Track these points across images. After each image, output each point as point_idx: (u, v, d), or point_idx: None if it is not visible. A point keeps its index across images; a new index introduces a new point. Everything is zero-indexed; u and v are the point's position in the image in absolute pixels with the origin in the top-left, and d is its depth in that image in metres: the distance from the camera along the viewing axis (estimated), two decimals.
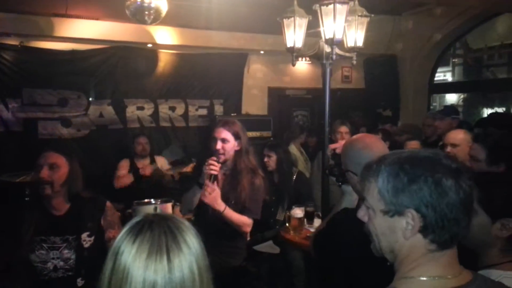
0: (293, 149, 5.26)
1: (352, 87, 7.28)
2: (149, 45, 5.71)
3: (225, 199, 2.71)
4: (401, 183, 1.01)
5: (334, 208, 2.07)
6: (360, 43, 3.17)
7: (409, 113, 6.85)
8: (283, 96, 6.99)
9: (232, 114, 6.16)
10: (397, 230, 1.04)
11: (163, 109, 6.10)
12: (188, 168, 5.22)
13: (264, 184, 2.85)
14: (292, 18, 3.03)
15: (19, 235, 2.11)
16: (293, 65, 3.27)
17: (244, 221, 2.75)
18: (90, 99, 5.67)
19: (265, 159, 4.24)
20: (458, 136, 3.22)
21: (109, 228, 2.27)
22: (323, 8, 2.87)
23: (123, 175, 4.77)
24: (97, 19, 5.20)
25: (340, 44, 3.02)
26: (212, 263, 1.12)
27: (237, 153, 2.77)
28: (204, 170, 2.65)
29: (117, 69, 5.71)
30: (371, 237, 1.11)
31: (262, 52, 6.41)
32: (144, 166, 4.83)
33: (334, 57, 3.04)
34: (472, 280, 1.04)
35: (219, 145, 2.71)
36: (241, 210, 2.73)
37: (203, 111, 6.37)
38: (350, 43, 3.17)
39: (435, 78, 7.31)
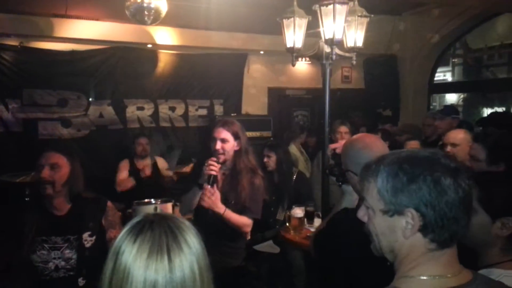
0: (293, 149, 5.26)
1: (352, 87, 7.28)
2: (149, 46, 5.72)
3: (225, 199, 2.71)
4: (400, 182, 1.01)
5: (334, 208, 2.07)
6: (360, 43, 3.17)
7: (409, 113, 6.86)
8: (283, 96, 6.99)
9: (232, 114, 6.17)
10: (396, 230, 1.04)
11: (163, 109, 6.11)
12: (187, 168, 5.23)
13: (264, 183, 2.85)
14: (292, 19, 3.03)
15: (19, 235, 2.11)
16: (293, 65, 3.27)
17: (244, 222, 2.75)
18: (90, 99, 5.67)
19: (265, 159, 4.24)
20: (458, 135, 3.23)
21: (110, 228, 2.27)
22: (323, 8, 2.87)
23: (124, 178, 4.77)
24: (97, 19, 5.20)
25: (340, 44, 3.02)
26: (212, 263, 1.12)
27: (237, 153, 2.76)
28: (203, 170, 2.64)
29: (117, 70, 5.71)
30: (371, 237, 1.11)
31: (262, 52, 6.42)
32: (144, 166, 4.83)
33: (334, 57, 3.04)
34: (472, 279, 1.04)
35: (218, 145, 2.71)
36: (241, 210, 2.73)
37: (203, 111, 6.37)
38: (349, 43, 3.17)
39: (435, 78, 7.32)
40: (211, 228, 2.53)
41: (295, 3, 3.06)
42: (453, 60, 8.45)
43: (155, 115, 6.06)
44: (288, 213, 3.77)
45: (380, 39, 6.08)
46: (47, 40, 5.31)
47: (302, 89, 7.03)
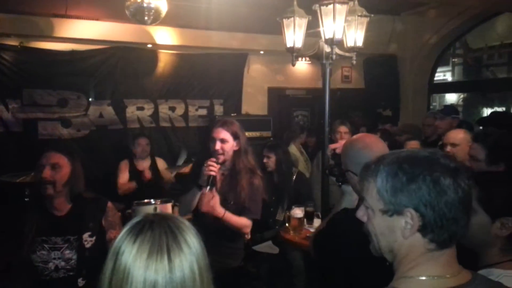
0: (293, 149, 5.26)
1: (352, 87, 7.28)
2: (149, 46, 5.72)
3: (224, 199, 2.71)
4: (400, 182, 1.01)
5: (334, 208, 2.07)
6: (359, 43, 3.17)
7: (409, 113, 6.86)
8: (283, 96, 6.98)
9: (232, 114, 6.16)
10: (396, 230, 1.04)
11: (163, 109, 6.10)
12: (186, 169, 5.22)
13: (263, 184, 2.84)
14: (292, 18, 3.03)
15: (20, 235, 2.11)
16: (293, 65, 3.27)
17: (244, 223, 2.75)
18: (90, 99, 5.67)
19: (265, 160, 4.24)
20: (458, 135, 3.23)
21: (110, 229, 2.27)
22: (323, 8, 2.87)
23: (126, 182, 4.76)
24: (97, 19, 5.20)
25: (339, 44, 3.03)
26: (212, 263, 1.12)
27: (236, 153, 2.76)
28: (203, 171, 2.64)
29: (117, 70, 5.71)
30: (370, 237, 1.11)
31: (262, 52, 6.41)
32: (144, 168, 4.81)
33: (334, 57, 3.05)
34: (471, 280, 1.04)
35: (218, 145, 2.70)
36: (240, 211, 2.73)
37: (203, 111, 6.37)
38: (349, 43, 3.17)
39: (435, 78, 7.32)
40: (210, 229, 2.53)
41: (295, 2, 3.06)
42: (453, 60, 8.45)
43: (155, 115, 6.06)
44: (287, 213, 3.77)
45: (380, 39, 6.08)
46: (47, 40, 5.31)
47: (302, 89, 7.03)
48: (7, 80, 5.19)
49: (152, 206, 3.39)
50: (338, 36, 2.91)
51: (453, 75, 8.79)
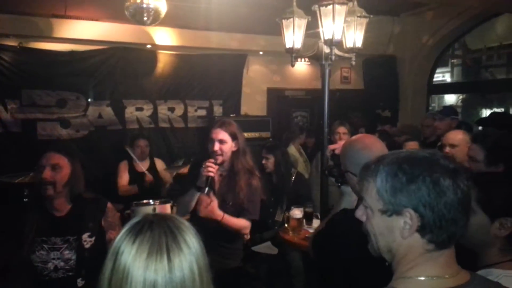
0: (292, 150, 5.26)
1: (351, 88, 7.29)
2: (148, 46, 5.71)
3: (223, 200, 2.70)
4: (399, 182, 1.01)
5: (333, 208, 2.07)
6: (359, 43, 3.18)
7: (408, 113, 6.87)
8: (282, 96, 6.98)
9: (231, 115, 6.16)
10: (395, 230, 1.04)
11: (162, 110, 6.10)
12: (185, 170, 5.22)
13: (261, 184, 2.84)
14: (291, 19, 3.03)
15: (19, 235, 2.11)
16: (292, 65, 3.28)
17: (243, 224, 2.75)
18: (89, 100, 5.66)
19: (263, 161, 4.25)
20: (457, 136, 3.23)
21: (110, 229, 2.28)
22: (322, 9, 2.88)
23: (126, 184, 4.76)
24: (96, 20, 5.19)
25: (339, 44, 3.03)
26: (211, 264, 1.12)
27: (234, 154, 2.75)
28: (201, 172, 2.63)
29: (116, 70, 5.70)
30: (368, 237, 1.11)
31: (261, 53, 6.41)
32: (146, 173, 4.80)
33: (333, 57, 3.05)
34: (470, 280, 1.04)
35: (216, 146, 2.69)
36: (239, 212, 2.73)
37: (202, 112, 6.36)
38: (349, 43, 3.18)
39: (434, 79, 7.32)
40: (209, 230, 2.52)
41: (294, 3, 3.06)
42: (452, 61, 8.46)
43: (154, 115, 6.05)
44: (287, 214, 3.77)
45: (379, 40, 6.09)
46: (47, 41, 5.30)
47: (301, 89, 7.03)
48: (6, 81, 5.18)
49: (151, 207, 3.39)
50: (337, 37, 2.91)
51: (452, 76, 8.80)
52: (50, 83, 5.38)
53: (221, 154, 2.69)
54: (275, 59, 6.44)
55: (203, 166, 2.61)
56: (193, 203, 2.68)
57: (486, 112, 7.94)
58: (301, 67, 6.85)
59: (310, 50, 3.22)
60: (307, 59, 6.19)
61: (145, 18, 3.75)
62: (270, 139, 5.78)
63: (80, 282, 2.17)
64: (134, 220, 1.10)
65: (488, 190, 1.46)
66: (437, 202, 0.99)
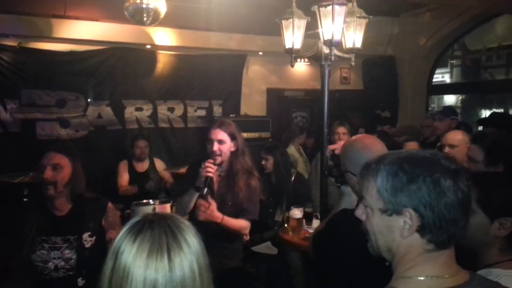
0: (292, 150, 5.26)
1: (350, 88, 7.29)
2: (148, 46, 5.71)
3: (222, 201, 2.70)
4: (400, 182, 1.01)
5: (333, 209, 2.07)
6: (358, 44, 3.18)
7: (408, 114, 6.87)
8: (281, 97, 6.99)
9: (231, 115, 6.16)
10: (394, 229, 1.04)
11: (162, 110, 6.10)
12: (183, 170, 5.22)
13: (260, 184, 2.84)
14: (291, 19, 3.04)
15: (19, 235, 2.11)
16: (292, 66, 3.28)
17: (242, 225, 2.76)
18: (89, 100, 5.66)
19: (263, 162, 4.25)
20: (456, 137, 3.23)
21: (110, 229, 2.28)
22: (322, 9, 2.88)
23: (126, 185, 4.77)
24: (95, 20, 5.19)
25: (338, 45, 3.03)
26: (210, 264, 1.12)
27: (233, 154, 2.75)
28: (200, 172, 2.63)
29: (115, 70, 5.70)
30: (368, 236, 1.11)
31: (260, 53, 6.42)
32: (150, 186, 4.80)
33: (332, 58, 3.05)
34: (469, 280, 1.04)
35: (215, 146, 2.68)
36: (238, 212, 2.73)
37: (202, 112, 6.37)
38: (348, 44, 3.18)
39: (433, 80, 7.33)
40: (208, 230, 2.52)
41: (294, 4, 3.06)
42: (452, 61, 8.47)
43: (154, 116, 6.05)
44: (286, 214, 3.77)
45: (379, 40, 6.09)
46: (46, 41, 5.30)
47: (300, 90, 7.03)
48: (5, 80, 5.18)
49: (151, 207, 3.39)
50: (337, 37, 2.92)
51: (451, 76, 8.81)
52: (49, 83, 5.38)
53: (220, 155, 2.69)
54: (274, 59, 6.44)
55: (202, 166, 2.60)
56: (192, 204, 2.68)
57: (485, 113, 7.95)
58: (301, 68, 6.85)
59: (309, 50, 3.22)
60: (306, 60, 6.19)
61: (144, 19, 3.75)
62: (270, 140, 5.78)
63: (80, 281, 2.18)
64: (134, 220, 1.10)
65: (488, 190, 1.46)
66: (437, 203, 0.99)
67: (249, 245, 3.79)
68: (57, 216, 2.21)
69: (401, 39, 6.59)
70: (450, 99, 8.76)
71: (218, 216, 2.60)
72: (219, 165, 2.70)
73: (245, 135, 2.91)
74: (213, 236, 2.55)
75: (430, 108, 7.32)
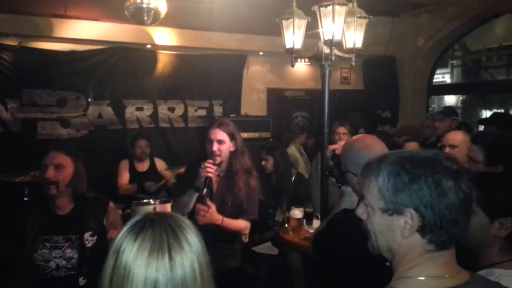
0: (293, 150, 5.26)
1: (351, 88, 7.28)
2: (148, 46, 5.71)
3: (221, 201, 2.70)
4: (401, 182, 1.01)
5: (334, 209, 2.07)
6: (359, 44, 3.18)
7: (408, 114, 6.87)
8: (282, 97, 6.99)
9: (231, 115, 6.16)
10: (395, 229, 1.04)
11: (162, 109, 6.10)
12: (183, 170, 5.22)
13: (259, 184, 2.84)
14: (291, 19, 3.04)
15: (20, 235, 2.12)
16: (292, 66, 3.29)
17: (242, 226, 2.76)
18: (89, 99, 5.65)
19: (263, 162, 4.25)
20: (457, 137, 3.23)
21: (112, 228, 2.28)
22: (322, 9, 2.88)
23: (127, 184, 4.77)
24: (96, 20, 5.19)
25: (339, 45, 3.04)
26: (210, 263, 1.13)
27: (233, 154, 2.75)
28: (199, 173, 2.63)
29: (116, 70, 5.70)
30: (368, 235, 1.11)
31: (261, 53, 6.42)
32: (149, 185, 4.80)
33: (333, 58, 3.06)
34: (469, 280, 1.05)
35: (215, 146, 2.68)
36: (238, 212, 2.73)
37: (202, 112, 6.36)
38: (349, 44, 3.18)
39: (434, 80, 7.33)
40: (207, 231, 2.52)
41: (294, 4, 3.07)
42: (452, 62, 8.47)
43: (154, 115, 6.05)
44: (287, 214, 3.77)
45: (379, 40, 6.09)
46: (47, 40, 5.30)
47: (301, 90, 7.03)
48: (6, 80, 5.18)
49: (151, 206, 3.39)
50: (337, 37, 2.92)
51: (452, 77, 8.81)
52: (50, 83, 5.38)
53: (220, 155, 2.69)
54: (275, 59, 6.44)
55: (202, 166, 2.60)
56: (192, 204, 2.68)
57: (486, 113, 7.95)
58: (301, 68, 6.85)
59: (310, 50, 3.22)
60: (307, 60, 6.19)
61: (145, 18, 3.75)
62: (270, 140, 5.78)
63: (81, 281, 2.18)
64: (135, 219, 1.11)
65: (488, 190, 1.46)
66: (439, 203, 0.99)
67: (250, 245, 3.79)
68: (59, 215, 2.22)
69: (402, 39, 6.59)
70: (450, 100, 8.77)
71: (218, 218, 2.60)
72: (219, 165, 2.70)
73: (245, 135, 2.92)
74: (212, 237, 2.55)
75: (430, 109, 7.32)
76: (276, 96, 6.90)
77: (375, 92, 7.14)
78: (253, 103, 6.70)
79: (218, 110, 6.42)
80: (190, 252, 1.06)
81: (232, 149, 2.74)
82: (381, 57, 6.82)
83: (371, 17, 3.19)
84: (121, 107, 5.81)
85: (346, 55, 3.23)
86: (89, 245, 2.20)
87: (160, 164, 5.12)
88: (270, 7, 3.83)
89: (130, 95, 5.86)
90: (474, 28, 6.37)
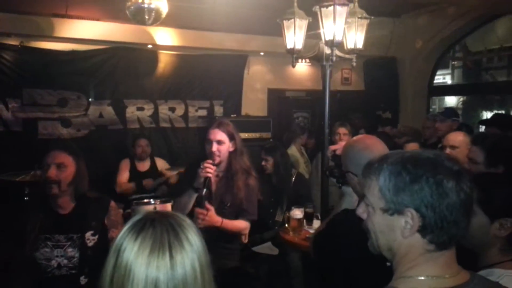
0: (293, 150, 5.26)
1: (351, 89, 7.28)
2: (149, 46, 5.72)
3: (220, 201, 2.70)
4: (402, 182, 1.02)
5: (334, 209, 2.07)
6: (360, 45, 3.18)
7: (409, 115, 6.86)
8: (283, 97, 6.99)
9: (232, 115, 6.16)
10: (395, 229, 1.04)
11: (163, 109, 6.10)
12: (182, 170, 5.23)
13: (257, 184, 2.85)
14: (292, 20, 3.04)
15: (21, 234, 2.12)
16: (293, 66, 3.29)
17: (242, 226, 2.77)
18: (90, 99, 5.66)
19: (263, 163, 4.25)
20: (458, 138, 3.23)
21: (113, 228, 2.29)
22: (323, 9, 2.88)
23: (125, 182, 4.78)
24: (97, 19, 5.20)
25: (340, 46, 3.03)
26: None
27: (232, 154, 2.75)
28: (199, 173, 2.62)
29: (117, 70, 5.70)
30: (369, 235, 1.12)
31: (262, 53, 6.42)
32: (147, 183, 4.81)
33: (334, 58, 3.05)
34: (469, 280, 1.05)
35: (214, 147, 2.68)
36: (237, 212, 2.73)
37: (203, 112, 6.36)
38: (350, 45, 3.18)
39: (435, 81, 7.32)
40: (207, 231, 2.53)
41: (295, 4, 3.07)
42: (453, 62, 8.48)
43: (155, 115, 6.05)
44: (287, 214, 3.77)
45: (380, 41, 6.08)
46: (48, 40, 5.31)
47: (302, 90, 7.03)
48: (7, 80, 5.19)
49: (151, 206, 3.39)
50: (338, 38, 2.92)
51: (452, 78, 8.82)
52: (51, 83, 5.38)
53: (219, 155, 2.69)
54: (276, 60, 6.44)
55: (201, 167, 2.60)
56: (191, 205, 2.68)
57: (486, 114, 7.96)
58: (302, 68, 6.85)
59: (311, 51, 3.22)
60: (307, 60, 6.18)
61: (146, 18, 3.75)
62: (271, 140, 5.79)
63: (83, 280, 2.19)
64: (136, 218, 1.11)
65: (488, 191, 1.46)
66: (439, 203, 0.99)
67: (250, 245, 3.79)
68: (60, 214, 2.22)
69: (402, 40, 6.58)
70: (451, 101, 8.77)
71: (217, 220, 2.61)
72: (218, 165, 2.70)
73: (246, 135, 2.92)
74: (212, 236, 2.56)
75: (431, 110, 7.31)
76: (276, 97, 6.90)
77: (376, 93, 7.14)
78: (254, 103, 6.69)
79: (218, 110, 6.43)
80: (191, 251, 1.06)
81: (231, 149, 2.74)
82: (381, 58, 6.81)
83: (372, 17, 3.19)
84: (122, 107, 5.82)
85: (347, 56, 3.23)
86: (90, 244, 2.20)
87: (161, 164, 5.12)
88: (271, 8, 3.83)
89: (131, 95, 5.86)
90: (475, 29, 6.36)
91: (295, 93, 7.05)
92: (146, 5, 3.66)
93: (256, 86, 6.72)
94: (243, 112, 6.56)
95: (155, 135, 5.95)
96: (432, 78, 7.13)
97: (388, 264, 1.13)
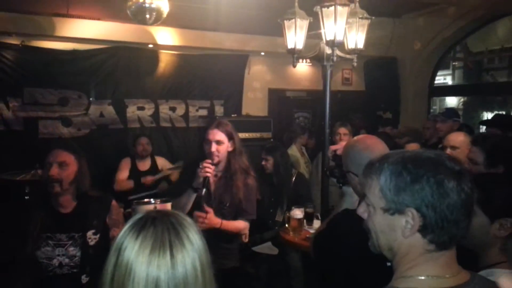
0: (294, 150, 5.25)
1: (352, 89, 7.29)
2: (150, 46, 5.72)
3: (220, 201, 2.70)
4: (403, 182, 1.02)
5: (335, 209, 2.07)
6: (360, 45, 3.18)
7: (409, 115, 6.86)
8: (283, 97, 6.99)
9: (233, 115, 6.17)
10: (396, 229, 1.04)
11: (164, 109, 6.10)
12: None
13: (256, 184, 2.85)
14: (293, 20, 3.04)
15: (22, 233, 2.12)
16: (294, 66, 3.29)
17: (241, 226, 2.77)
18: (91, 98, 5.66)
19: (263, 162, 4.26)
20: (458, 138, 3.23)
21: (114, 227, 2.29)
22: (324, 10, 2.88)
23: (124, 179, 4.78)
24: (98, 19, 5.20)
25: (340, 46, 3.04)
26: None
27: (231, 154, 2.75)
28: (198, 173, 2.62)
29: (118, 69, 5.71)
30: (369, 234, 1.12)
31: (262, 53, 6.42)
32: (146, 180, 4.81)
33: (334, 59, 3.06)
34: (469, 280, 1.05)
35: (213, 147, 2.68)
36: (237, 212, 2.74)
37: (204, 112, 6.36)
38: (350, 45, 3.19)
39: (435, 81, 7.32)
40: (206, 231, 2.53)
41: (296, 4, 3.07)
42: (454, 63, 8.47)
43: (156, 115, 6.06)
44: (287, 214, 3.77)
45: (380, 41, 6.08)
46: (49, 39, 5.31)
47: (302, 90, 7.03)
48: (8, 79, 5.19)
49: (151, 206, 3.39)
50: (339, 38, 2.92)
51: (453, 78, 8.81)
52: (52, 82, 5.38)
53: (218, 155, 2.69)
54: (276, 60, 6.44)
55: (200, 167, 2.60)
56: (190, 205, 2.68)
57: (487, 115, 7.96)
58: (303, 68, 6.85)
59: (311, 51, 3.23)
60: (308, 60, 6.20)
61: (147, 18, 3.75)
62: (271, 140, 5.79)
63: (84, 278, 2.19)
64: (137, 216, 1.11)
65: (488, 191, 1.46)
66: (440, 203, 0.99)
67: (250, 245, 3.79)
68: (62, 213, 2.23)
69: (403, 41, 6.58)
70: (451, 101, 8.77)
71: (216, 222, 2.61)
72: (217, 165, 2.70)
73: (246, 135, 2.92)
74: (212, 236, 2.55)
75: (432, 110, 7.31)
76: (277, 97, 6.90)
77: (376, 93, 7.14)
78: (254, 103, 6.70)
79: (219, 110, 6.43)
80: (192, 250, 1.06)
81: (230, 149, 2.75)
82: (382, 58, 6.81)
83: (373, 18, 3.19)
84: (123, 107, 5.82)
85: (347, 56, 3.23)
86: (91, 243, 2.20)
87: (162, 162, 5.12)
88: (272, 8, 3.83)
89: (132, 95, 5.86)
90: (476, 29, 6.36)
91: (295, 93, 7.05)
92: (147, 5, 3.66)
93: (257, 86, 6.72)
94: (244, 112, 6.56)
95: (156, 134, 5.94)
96: (433, 78, 7.13)
97: (388, 264, 1.13)
